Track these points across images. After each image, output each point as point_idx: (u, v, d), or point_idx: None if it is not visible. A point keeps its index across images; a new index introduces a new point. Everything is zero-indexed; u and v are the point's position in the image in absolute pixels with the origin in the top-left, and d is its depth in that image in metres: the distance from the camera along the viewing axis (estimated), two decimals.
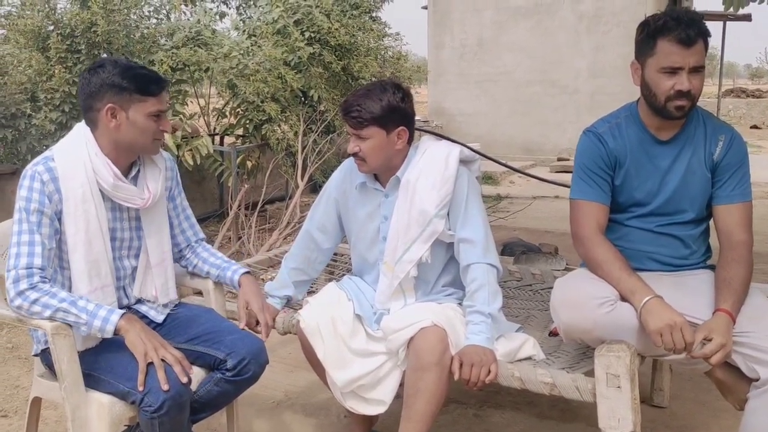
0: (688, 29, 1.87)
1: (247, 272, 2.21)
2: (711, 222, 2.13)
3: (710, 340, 1.76)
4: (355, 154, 2.12)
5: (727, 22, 14.29)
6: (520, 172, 7.18)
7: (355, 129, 2.09)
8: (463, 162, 2.17)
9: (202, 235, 2.30)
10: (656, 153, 2.06)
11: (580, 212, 2.08)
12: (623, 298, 1.89)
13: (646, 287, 1.86)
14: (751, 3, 4.82)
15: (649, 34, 1.95)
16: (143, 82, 1.90)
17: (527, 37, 11.38)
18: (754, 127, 18.18)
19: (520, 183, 9.25)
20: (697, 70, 1.91)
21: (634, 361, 1.80)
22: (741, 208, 2.03)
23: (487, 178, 9.28)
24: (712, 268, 2.11)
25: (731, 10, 4.99)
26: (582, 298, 1.90)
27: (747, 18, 13.68)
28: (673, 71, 1.91)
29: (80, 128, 1.96)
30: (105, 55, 4.76)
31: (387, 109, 2.07)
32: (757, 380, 1.80)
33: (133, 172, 2.01)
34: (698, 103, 2.03)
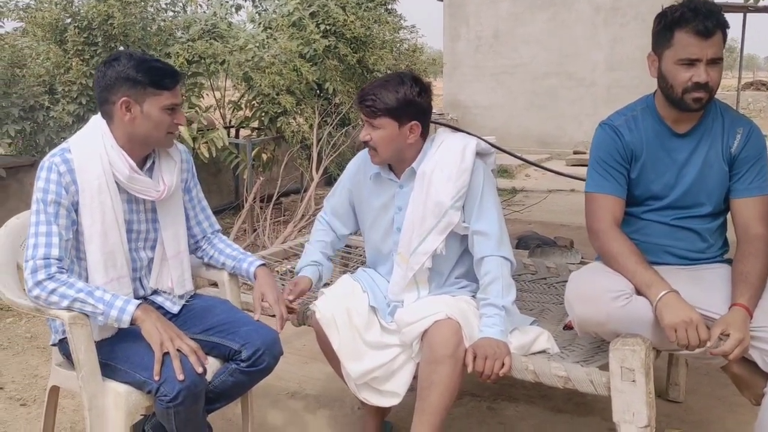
0: (706, 21, 1.85)
1: (263, 264, 2.22)
2: (729, 216, 2.11)
3: (727, 335, 1.74)
4: (366, 143, 2.14)
5: (748, 14, 14.09)
6: (536, 165, 7.15)
7: (368, 117, 2.11)
8: (479, 155, 2.16)
9: (218, 226, 2.31)
10: (673, 146, 2.04)
11: (596, 205, 2.07)
12: (638, 292, 1.88)
13: (663, 281, 1.84)
14: None
15: (666, 25, 1.92)
16: (158, 76, 1.91)
17: (544, 29, 11.31)
18: None
19: (535, 176, 9.21)
20: (715, 62, 1.89)
21: (649, 355, 1.79)
22: (759, 202, 2.00)
23: (502, 171, 9.24)
24: (729, 262, 2.09)
25: (751, 1, 4.93)
26: (597, 291, 1.88)
27: None
28: (691, 63, 1.89)
29: (96, 120, 1.98)
30: (121, 48, 4.79)
31: (402, 102, 2.07)
32: None
33: (149, 164, 2.03)
34: (717, 96, 2.00)
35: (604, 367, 1.86)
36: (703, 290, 1.94)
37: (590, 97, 10.96)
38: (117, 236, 1.95)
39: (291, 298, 2.20)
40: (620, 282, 1.89)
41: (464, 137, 2.20)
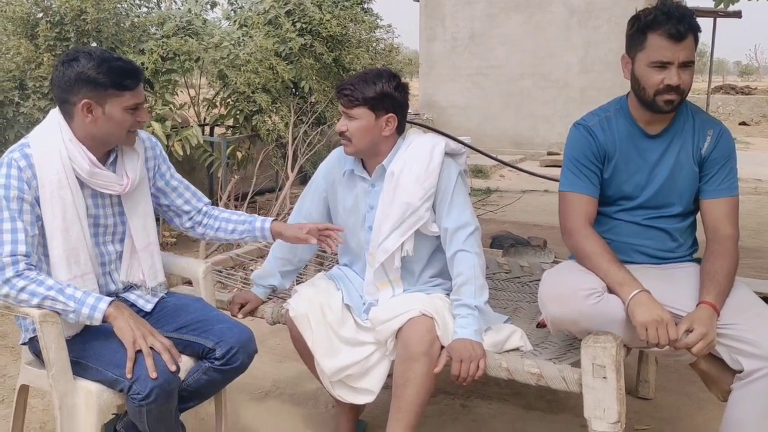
0: (679, 24, 1.88)
1: (275, 220, 2.22)
2: (698, 216, 2.15)
3: (692, 331, 1.78)
4: (342, 134, 2.15)
5: (718, 19, 14.36)
6: (510, 165, 7.21)
7: (345, 107, 2.13)
8: (450, 155, 2.18)
9: (206, 199, 2.29)
10: (645, 147, 2.07)
11: (570, 204, 2.10)
12: (610, 290, 1.91)
13: (635, 280, 1.88)
14: None
15: (639, 28, 1.96)
16: (119, 76, 1.86)
17: (519, 30, 11.41)
18: (743, 123, 18.30)
19: (510, 177, 9.28)
20: (687, 65, 1.92)
21: (620, 352, 1.82)
22: (728, 203, 2.04)
23: (477, 172, 9.30)
24: (698, 261, 2.13)
25: (722, 6, 5.02)
26: (569, 289, 1.91)
27: (737, 15, 13.76)
28: (663, 65, 1.92)
29: (54, 115, 1.94)
30: (94, 44, 4.73)
31: (379, 94, 2.10)
32: (741, 372, 1.83)
33: (111, 158, 2.00)
34: (687, 99, 2.04)
35: (576, 364, 1.88)
36: (672, 288, 1.97)
37: (564, 99, 11.07)
38: (79, 232, 1.91)
39: (241, 317, 2.26)
40: (592, 280, 1.92)
41: (434, 137, 2.21)
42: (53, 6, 4.68)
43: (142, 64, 4.73)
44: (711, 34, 14.69)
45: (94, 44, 4.72)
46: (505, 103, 11.67)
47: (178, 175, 2.24)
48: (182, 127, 5.10)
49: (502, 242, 4.11)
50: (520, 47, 11.41)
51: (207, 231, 2.24)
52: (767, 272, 4.47)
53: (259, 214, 5.46)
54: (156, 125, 4.68)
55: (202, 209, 2.25)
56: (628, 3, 10.00)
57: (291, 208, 4.88)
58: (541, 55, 11.25)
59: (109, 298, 1.86)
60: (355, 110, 2.11)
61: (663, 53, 1.91)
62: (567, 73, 11.09)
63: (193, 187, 2.27)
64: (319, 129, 5.72)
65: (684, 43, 1.90)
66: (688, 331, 1.79)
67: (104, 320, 1.82)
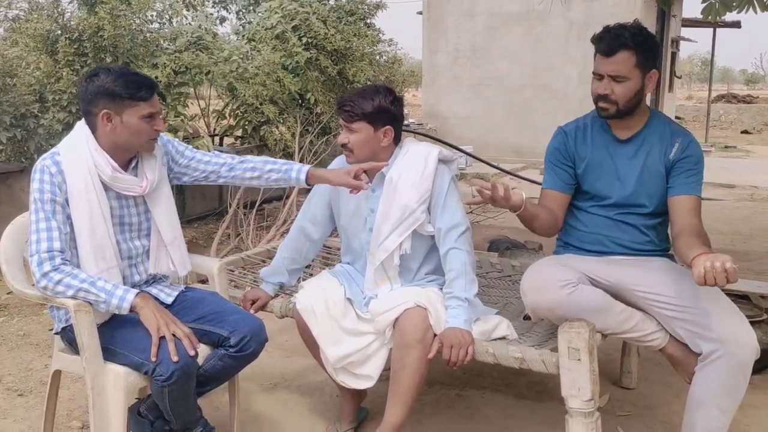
0: (611, 42, 2.17)
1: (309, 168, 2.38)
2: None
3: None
4: (344, 146, 2.35)
5: (721, 29, 14.58)
6: (511, 173, 7.41)
7: (346, 122, 2.33)
8: (442, 161, 2.38)
9: (225, 155, 2.44)
10: (616, 151, 2.30)
11: (545, 200, 2.39)
12: (584, 282, 2.11)
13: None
14: (737, 12, 5.04)
15: (593, 44, 2.22)
16: (134, 88, 2.09)
17: (519, 43, 11.63)
18: (745, 132, 18.44)
19: (511, 185, 9.43)
20: (618, 79, 2.18)
21: (593, 337, 2.01)
22: (693, 199, 2.23)
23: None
24: (671, 257, 2.33)
25: (709, 18, 5.22)
26: (546, 281, 2.12)
27: (736, 25, 13.98)
28: (598, 77, 2.22)
29: (81, 127, 2.16)
30: (110, 59, 4.96)
31: (377, 109, 2.30)
32: (701, 354, 2.03)
33: (133, 164, 2.21)
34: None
35: (555, 349, 2.07)
36: (645, 275, 2.17)
37: (564, 110, 11.22)
38: (104, 230, 2.12)
39: (253, 312, 2.46)
40: (567, 273, 2.12)
41: (428, 146, 2.42)
42: (72, 24, 4.92)
43: (156, 77, 4.96)
44: (711, 43, 14.89)
45: (110, 59, 4.95)
46: (507, 114, 11.87)
47: (191, 151, 2.40)
48: (193, 138, 5.32)
49: (498, 246, 4.31)
50: (520, 59, 11.62)
51: (238, 172, 2.37)
52: (754, 274, 4.64)
53: (266, 221, 5.62)
54: (168, 135, 4.90)
55: (226, 162, 2.38)
56: (626, 15, 10.21)
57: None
58: (541, 67, 11.46)
59: (136, 290, 2.07)
60: (355, 124, 2.31)
61: (597, 66, 2.22)
62: (567, 84, 11.30)
63: (202, 152, 2.42)
64: (325, 138, 5.94)
65: (613, 59, 2.17)
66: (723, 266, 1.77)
67: (131, 310, 2.04)
